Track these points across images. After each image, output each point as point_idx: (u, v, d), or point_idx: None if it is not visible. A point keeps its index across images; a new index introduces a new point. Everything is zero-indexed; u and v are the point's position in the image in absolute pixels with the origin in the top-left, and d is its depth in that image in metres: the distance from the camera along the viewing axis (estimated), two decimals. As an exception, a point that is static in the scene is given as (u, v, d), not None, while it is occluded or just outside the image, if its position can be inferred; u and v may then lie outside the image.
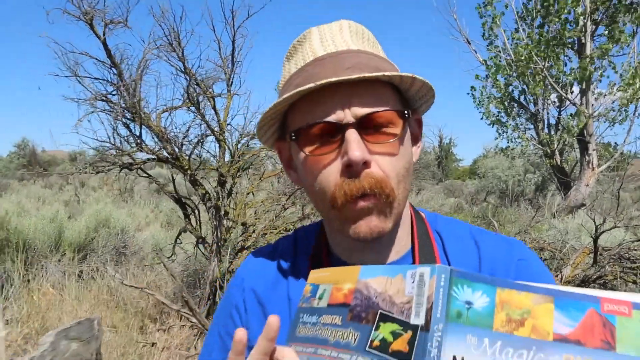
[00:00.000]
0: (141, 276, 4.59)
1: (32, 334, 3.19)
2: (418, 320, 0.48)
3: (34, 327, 3.27)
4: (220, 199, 2.85)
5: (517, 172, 15.46)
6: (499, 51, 10.55)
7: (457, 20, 11.42)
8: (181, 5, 3.26)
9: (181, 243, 3.38)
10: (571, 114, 10.64)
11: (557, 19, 9.26)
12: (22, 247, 4.30)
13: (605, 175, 11.73)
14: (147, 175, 3.16)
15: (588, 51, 9.72)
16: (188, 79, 2.76)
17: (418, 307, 0.49)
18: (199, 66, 2.82)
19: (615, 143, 11.18)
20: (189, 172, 2.87)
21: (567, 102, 10.86)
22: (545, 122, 11.59)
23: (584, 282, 3.13)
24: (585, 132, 10.31)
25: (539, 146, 11.38)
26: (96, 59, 2.70)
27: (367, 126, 0.68)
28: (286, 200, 3.24)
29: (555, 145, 11.11)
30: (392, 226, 0.72)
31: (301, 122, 0.70)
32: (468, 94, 11.41)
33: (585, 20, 9.66)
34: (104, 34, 2.63)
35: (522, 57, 9.62)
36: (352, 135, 0.66)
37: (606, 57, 10.16)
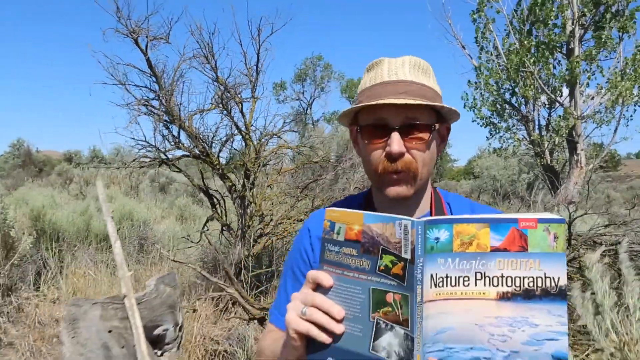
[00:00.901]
0: (160, 264, 5.01)
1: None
2: (406, 255, 0.87)
3: (78, 303, 3.69)
4: (246, 190, 3.29)
5: (513, 171, 15.91)
6: (491, 56, 11.01)
7: (451, 25, 11.87)
8: (214, 23, 3.68)
9: (208, 230, 3.82)
10: (560, 116, 11.10)
11: (543, 25, 9.72)
12: (55, 237, 4.71)
13: (594, 173, 12.21)
14: (178, 170, 3.60)
15: (576, 54, 10.19)
16: (220, 86, 3.20)
17: (405, 247, 0.89)
18: (229, 75, 3.27)
19: (602, 143, 11.65)
20: (218, 167, 3.31)
21: (557, 104, 11.34)
22: (536, 123, 12.08)
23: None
24: (574, 133, 10.79)
25: (530, 146, 11.85)
26: (139, 69, 3.15)
27: (406, 132, 1.08)
28: (300, 193, 3.69)
29: (546, 146, 11.58)
30: (413, 193, 1.14)
31: (366, 121, 1.11)
32: (462, 97, 11.84)
33: (573, 26, 10.13)
34: (146, 48, 3.07)
35: (513, 62, 10.07)
36: (395, 136, 1.07)
37: (594, 61, 10.65)
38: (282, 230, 3.62)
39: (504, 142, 11.96)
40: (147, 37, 3.01)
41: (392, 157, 1.08)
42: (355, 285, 0.90)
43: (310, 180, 3.69)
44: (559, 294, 0.81)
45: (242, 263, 3.26)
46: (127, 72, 3.12)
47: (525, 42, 10.16)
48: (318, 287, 0.94)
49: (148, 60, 3.10)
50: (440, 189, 1.32)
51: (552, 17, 9.74)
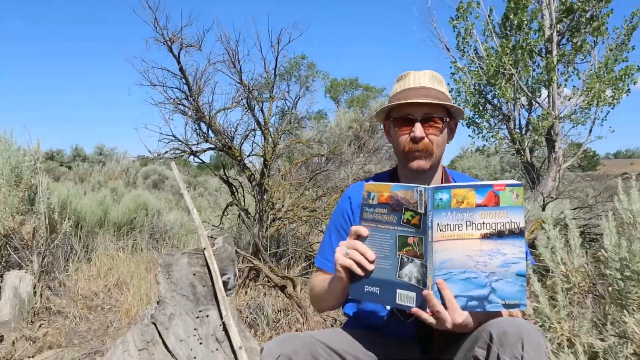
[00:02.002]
0: (173, 249, 5.46)
1: (116, 283, 4.06)
2: (421, 210, 1.38)
3: (112, 280, 4.13)
4: (264, 177, 3.76)
5: (494, 170, 16.55)
6: (473, 59, 11.60)
7: (437, 29, 12.44)
8: (239, 32, 4.18)
9: (228, 214, 4.29)
10: (539, 116, 11.74)
11: (518, 29, 10.30)
12: (79, 224, 5.13)
13: (573, 172, 12.90)
14: (201, 161, 4.06)
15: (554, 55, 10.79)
16: (243, 87, 3.67)
17: (420, 205, 1.39)
18: (251, 78, 3.74)
19: (578, 141, 12.33)
20: (239, 158, 3.78)
21: (536, 104, 11.98)
22: (517, 122, 12.72)
23: (532, 246, 4.11)
24: (552, 132, 11.43)
25: (511, 144, 12.49)
26: (172, 72, 3.61)
27: (425, 122, 1.58)
28: (308, 182, 4.18)
29: (526, 144, 12.23)
30: (429, 168, 1.63)
31: (397, 115, 1.61)
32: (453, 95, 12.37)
33: (551, 32, 10.76)
34: (179, 54, 3.53)
35: (493, 65, 10.63)
36: (418, 125, 1.58)
37: (570, 64, 11.28)
38: (292, 215, 4.09)
39: (487, 140, 12.58)
40: (180, 44, 3.47)
41: (415, 140, 1.59)
42: (386, 234, 1.37)
43: (317, 172, 4.19)
44: (520, 233, 1.30)
45: (260, 243, 3.73)
46: (159, 75, 3.57)
47: (503, 45, 10.76)
48: (358, 237, 1.44)
49: (180, 65, 3.56)
50: (448, 169, 1.83)
51: (525, 22, 10.32)
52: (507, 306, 1.29)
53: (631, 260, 1.44)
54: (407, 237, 1.34)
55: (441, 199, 1.32)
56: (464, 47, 11.65)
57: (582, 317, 1.53)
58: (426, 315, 1.30)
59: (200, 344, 1.86)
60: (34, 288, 3.60)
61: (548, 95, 11.43)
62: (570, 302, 1.58)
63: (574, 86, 11.46)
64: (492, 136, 12.83)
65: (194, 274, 1.94)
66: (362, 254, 1.38)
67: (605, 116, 11.49)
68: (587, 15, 10.89)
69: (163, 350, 1.84)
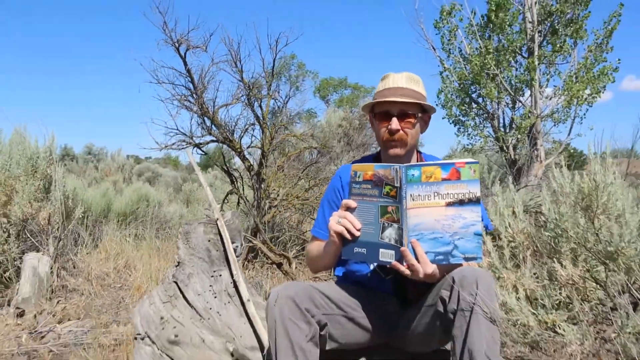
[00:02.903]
0: (173, 240, 5.81)
1: (124, 266, 4.40)
2: (397, 184, 1.77)
3: (121, 262, 4.48)
4: (262, 167, 4.13)
5: (481, 168, 17.02)
6: (458, 59, 12.05)
7: (424, 30, 12.86)
8: (240, 35, 4.54)
9: (228, 202, 4.65)
10: (522, 114, 12.21)
11: (499, 30, 10.71)
12: (85, 214, 5.46)
13: (557, 169, 13.32)
14: (204, 152, 4.41)
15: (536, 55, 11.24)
16: (244, 85, 4.04)
17: (396, 179, 1.77)
18: (251, 77, 4.10)
19: (560, 140, 12.83)
20: (239, 149, 4.14)
21: (519, 104, 12.45)
22: (501, 121, 13.19)
23: (514, 255, 4.51)
24: (534, 130, 11.91)
25: (496, 142, 12.96)
26: (179, 71, 3.96)
27: (401, 117, 1.94)
28: (301, 173, 4.55)
29: (509, 142, 12.71)
30: (405, 154, 2.01)
31: (378, 110, 1.98)
32: (437, 95, 12.79)
33: (533, 33, 11.23)
34: (185, 55, 3.89)
35: (477, 65, 11.07)
36: (394, 120, 1.94)
37: (552, 65, 11.75)
38: (287, 203, 4.47)
39: (472, 138, 13.03)
40: (187, 46, 3.82)
41: (392, 132, 1.96)
42: (370, 205, 1.73)
43: (309, 164, 4.56)
44: (477, 201, 1.67)
45: (259, 223, 4.10)
46: (167, 74, 3.93)
47: (486, 46, 11.20)
48: (348, 209, 1.82)
49: (186, 65, 3.92)
50: (423, 152, 2.20)
51: (507, 24, 10.76)
52: (467, 259, 1.63)
53: (560, 220, 1.83)
54: (387, 206, 1.70)
55: (413, 174, 1.69)
56: (449, 48, 12.12)
57: (524, 267, 1.92)
58: (403, 268, 1.64)
59: (215, 297, 2.23)
60: (51, 269, 3.94)
61: (530, 95, 11.92)
62: (515, 256, 1.97)
63: (555, 86, 11.97)
64: (477, 134, 13.35)
65: (209, 241, 2.31)
66: (351, 223, 1.72)
67: (584, 114, 12.00)
68: (566, 18, 11.39)
69: (184, 303, 2.21)
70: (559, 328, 1.77)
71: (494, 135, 13.36)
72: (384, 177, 1.71)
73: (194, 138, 4.14)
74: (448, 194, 1.65)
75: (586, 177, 1.93)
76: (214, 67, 3.99)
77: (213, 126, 4.13)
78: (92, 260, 4.38)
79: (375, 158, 2.18)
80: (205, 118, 4.12)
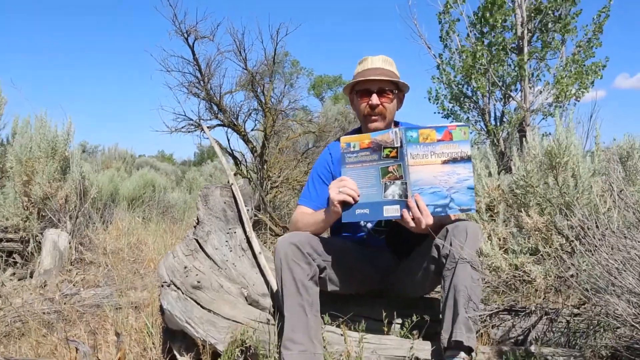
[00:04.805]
0: (177, 223, 6.13)
1: (136, 242, 4.71)
2: (398, 144, 2.10)
3: (133, 239, 4.79)
4: (265, 149, 4.44)
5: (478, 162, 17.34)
6: (453, 54, 12.39)
7: (417, 26, 13.18)
8: (244, 26, 4.86)
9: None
10: (515, 109, 12.57)
11: (493, 28, 11.05)
12: (94, 197, 5.76)
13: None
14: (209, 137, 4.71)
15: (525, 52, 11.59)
16: (248, 73, 4.35)
17: (397, 140, 2.10)
18: (254, 65, 4.42)
19: (549, 133, 13.20)
20: (243, 133, 4.46)
21: (510, 98, 12.80)
22: (492, 115, 13.55)
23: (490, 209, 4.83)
24: (524, 124, 12.27)
25: (487, 135, 13.31)
26: (187, 60, 4.27)
27: (380, 94, 2.24)
28: (300, 156, 4.87)
29: (500, 135, 13.06)
30: (384, 127, 2.30)
31: (359, 88, 2.28)
32: (428, 92, 13.10)
33: (523, 29, 11.58)
34: (193, 45, 4.20)
35: (470, 60, 11.41)
36: (374, 95, 2.24)
37: (542, 60, 12.11)
38: (287, 184, 4.79)
39: (463, 131, 13.31)
40: (195, 36, 4.13)
41: (372, 107, 2.27)
42: (371, 168, 2.04)
43: (308, 148, 4.88)
44: (468, 159, 1.96)
45: (261, 206, 4.42)
46: (175, 63, 4.23)
47: (480, 42, 11.54)
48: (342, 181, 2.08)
49: (194, 54, 4.24)
50: (400, 122, 2.51)
51: (499, 21, 11.12)
52: (462, 210, 1.90)
53: (527, 176, 2.16)
54: (388, 167, 1.99)
55: (412, 135, 1.99)
56: (447, 42, 12.44)
57: (497, 219, 2.25)
58: (409, 219, 1.89)
59: (230, 251, 2.54)
60: (69, 244, 4.24)
61: (520, 90, 12.30)
62: (491, 209, 2.30)
63: (545, 81, 12.33)
64: (469, 128, 13.68)
65: (225, 202, 2.62)
66: (352, 189, 1.98)
67: (572, 109, 12.32)
68: (555, 14, 11.75)
69: (203, 256, 2.52)
70: (526, 267, 2.10)
71: (485, 129, 13.75)
72: (382, 142, 2.02)
73: (201, 121, 4.46)
74: (443, 152, 1.91)
75: (552, 140, 2.27)
76: (220, 56, 4.31)
77: (219, 111, 4.45)
78: (106, 237, 4.68)
79: (358, 132, 2.48)
80: (212, 104, 4.43)
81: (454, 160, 1.91)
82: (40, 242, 4.23)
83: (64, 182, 4.43)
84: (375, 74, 2.24)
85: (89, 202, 4.40)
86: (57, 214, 4.34)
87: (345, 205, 2.00)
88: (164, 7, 4.08)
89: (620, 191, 1.69)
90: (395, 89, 2.30)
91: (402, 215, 1.92)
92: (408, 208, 1.90)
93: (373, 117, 2.27)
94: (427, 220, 1.89)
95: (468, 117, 13.93)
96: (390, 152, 1.99)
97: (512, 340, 2.26)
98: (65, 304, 3.19)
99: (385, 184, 1.95)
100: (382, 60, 2.33)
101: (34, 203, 4.31)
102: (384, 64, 2.32)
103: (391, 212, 1.94)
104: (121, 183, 6.24)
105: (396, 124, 2.45)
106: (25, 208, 4.27)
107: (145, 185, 6.42)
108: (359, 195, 1.99)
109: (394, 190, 1.94)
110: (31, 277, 4.12)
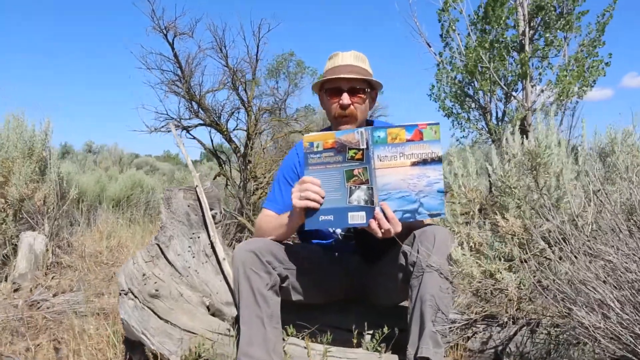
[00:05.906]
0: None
1: (117, 245, 4.58)
2: (364, 146, 1.93)
3: (114, 242, 4.66)
4: (248, 150, 4.31)
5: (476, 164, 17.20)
6: (454, 52, 12.23)
7: (417, 25, 13.02)
8: (225, 22, 4.72)
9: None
10: (517, 108, 12.40)
11: (496, 25, 10.85)
12: (79, 199, 5.65)
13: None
14: (192, 137, 4.60)
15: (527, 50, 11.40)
16: (229, 70, 4.22)
17: (362, 142, 1.93)
18: (236, 62, 4.29)
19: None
20: (225, 132, 4.32)
21: (512, 97, 12.63)
22: (494, 113, 13.38)
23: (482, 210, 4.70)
24: (525, 122, 12.09)
25: (488, 134, 13.16)
26: (167, 57, 4.15)
27: (351, 93, 2.06)
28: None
29: (502, 133, 12.88)
30: (356, 127, 2.16)
31: (329, 86, 2.11)
32: (428, 93, 12.92)
33: (524, 27, 11.40)
34: (173, 41, 4.07)
35: (471, 58, 11.23)
36: (345, 95, 2.05)
37: (545, 59, 11.91)
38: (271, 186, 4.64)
39: (464, 131, 13.21)
40: (175, 33, 4.01)
41: (343, 107, 2.08)
42: (334, 171, 1.86)
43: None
44: (439, 160, 1.79)
45: (244, 200, 4.28)
46: (155, 60, 4.13)
47: (482, 40, 11.36)
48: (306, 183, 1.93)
49: (174, 51, 4.10)
50: (375, 120, 2.37)
51: (503, 19, 10.93)
52: (431, 215, 1.75)
53: (505, 176, 2.01)
54: (353, 170, 1.81)
55: (379, 136, 1.81)
56: (447, 40, 12.28)
57: (472, 222, 2.10)
58: (377, 229, 1.74)
59: (193, 257, 2.40)
60: (46, 247, 4.12)
61: (522, 89, 12.12)
62: (467, 212, 2.15)
63: (548, 80, 12.13)
64: (470, 127, 13.54)
65: (189, 206, 2.48)
66: (315, 193, 1.79)
67: (574, 107, 12.15)
68: (557, 12, 11.56)
69: (164, 262, 2.38)
70: (499, 274, 1.95)
71: (486, 128, 13.57)
72: (347, 143, 1.84)
73: (182, 121, 4.33)
74: (412, 154, 1.76)
75: (532, 139, 2.11)
76: (201, 53, 4.18)
77: (200, 110, 4.32)
78: (86, 240, 4.57)
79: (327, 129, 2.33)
80: (193, 102, 4.30)
81: (424, 162, 1.76)
82: (16, 246, 4.11)
83: (42, 183, 4.31)
84: (346, 72, 2.07)
85: (67, 204, 4.26)
86: (34, 216, 4.22)
87: (308, 210, 1.84)
88: (142, 2, 3.96)
89: (598, 191, 1.55)
90: (368, 88, 2.13)
91: (368, 224, 1.77)
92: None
93: (344, 119, 2.10)
94: (396, 228, 1.75)
95: (469, 116, 13.83)
96: (356, 153, 1.82)
97: (491, 352, 2.12)
98: (30, 310, 3.06)
99: (350, 188, 1.80)
100: (354, 57, 2.15)
101: (10, 204, 4.19)
102: (356, 60, 2.14)
103: (356, 219, 1.79)
104: (108, 184, 6.13)
105: (370, 123, 2.29)
106: (1, 210, 4.15)
107: (134, 186, 6.31)
108: (323, 198, 1.81)
109: (359, 196, 1.78)
110: (6, 280, 4.00)
